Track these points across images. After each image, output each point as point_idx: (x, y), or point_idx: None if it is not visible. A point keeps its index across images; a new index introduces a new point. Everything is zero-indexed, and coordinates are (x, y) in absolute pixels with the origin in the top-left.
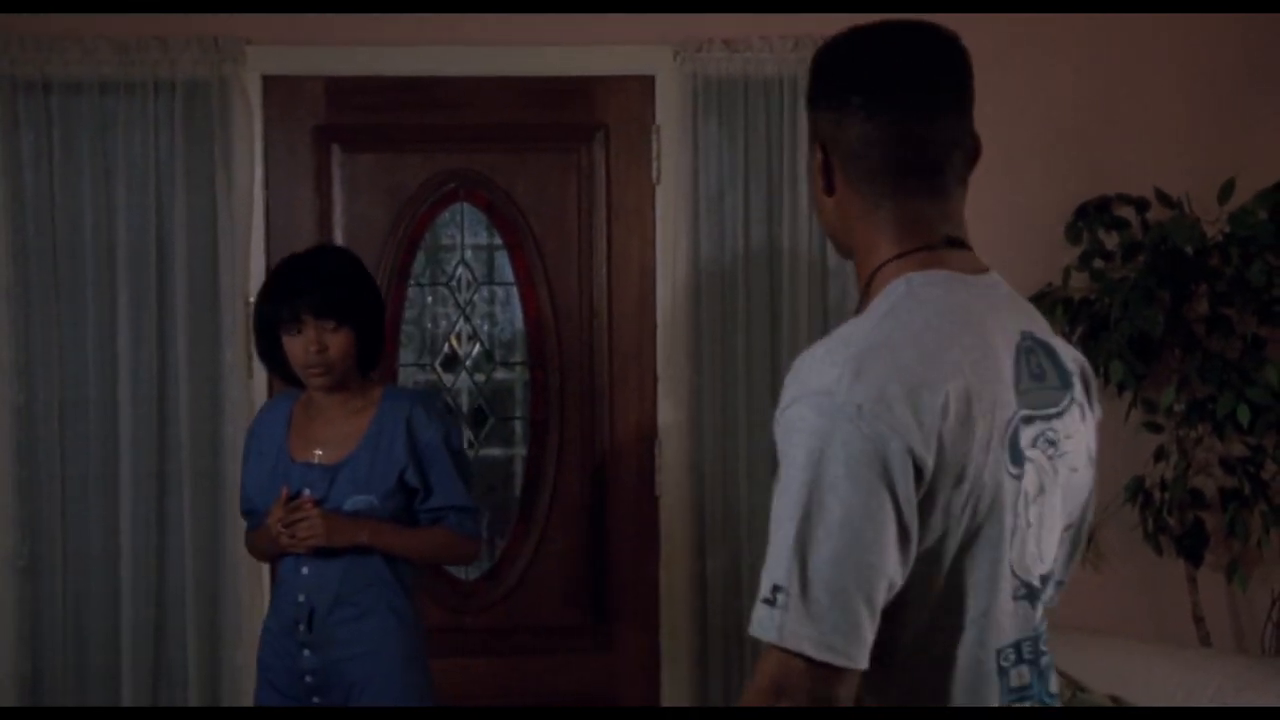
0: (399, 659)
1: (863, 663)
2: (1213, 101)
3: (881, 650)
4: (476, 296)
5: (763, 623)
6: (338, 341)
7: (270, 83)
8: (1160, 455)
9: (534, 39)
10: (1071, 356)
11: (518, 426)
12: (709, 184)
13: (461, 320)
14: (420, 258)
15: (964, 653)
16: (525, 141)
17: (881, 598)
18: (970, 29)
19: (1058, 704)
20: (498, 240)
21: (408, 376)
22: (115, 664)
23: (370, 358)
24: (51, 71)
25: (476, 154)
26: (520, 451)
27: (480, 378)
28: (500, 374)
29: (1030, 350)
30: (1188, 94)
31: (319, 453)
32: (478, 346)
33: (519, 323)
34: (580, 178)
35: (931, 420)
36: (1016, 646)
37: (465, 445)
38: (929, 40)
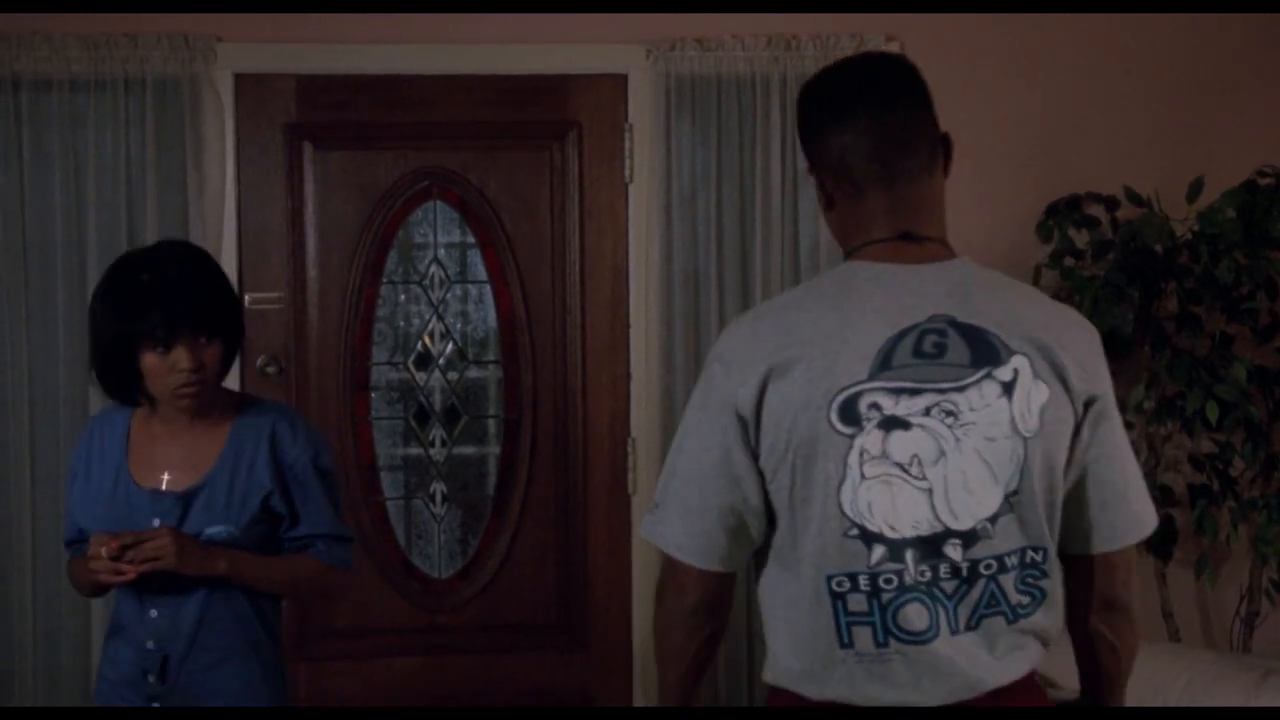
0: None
1: (712, 564)
2: (1182, 101)
3: (761, 559)
4: (449, 294)
5: (644, 526)
6: (211, 356)
7: (242, 80)
8: None
9: (507, 37)
10: (1027, 333)
11: (491, 425)
12: (681, 182)
13: (434, 318)
14: (393, 256)
15: (804, 572)
16: (498, 140)
17: (724, 515)
18: (943, 32)
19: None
20: (470, 238)
21: (380, 375)
22: (86, 664)
23: (228, 369)
24: (20, 69)
25: (449, 152)
26: (493, 450)
27: (453, 376)
28: (473, 372)
29: (929, 331)
30: (1157, 94)
31: (166, 477)
32: (450, 345)
33: (492, 321)
34: (553, 176)
35: (751, 380)
36: (851, 577)
37: (334, 464)
38: (870, 63)
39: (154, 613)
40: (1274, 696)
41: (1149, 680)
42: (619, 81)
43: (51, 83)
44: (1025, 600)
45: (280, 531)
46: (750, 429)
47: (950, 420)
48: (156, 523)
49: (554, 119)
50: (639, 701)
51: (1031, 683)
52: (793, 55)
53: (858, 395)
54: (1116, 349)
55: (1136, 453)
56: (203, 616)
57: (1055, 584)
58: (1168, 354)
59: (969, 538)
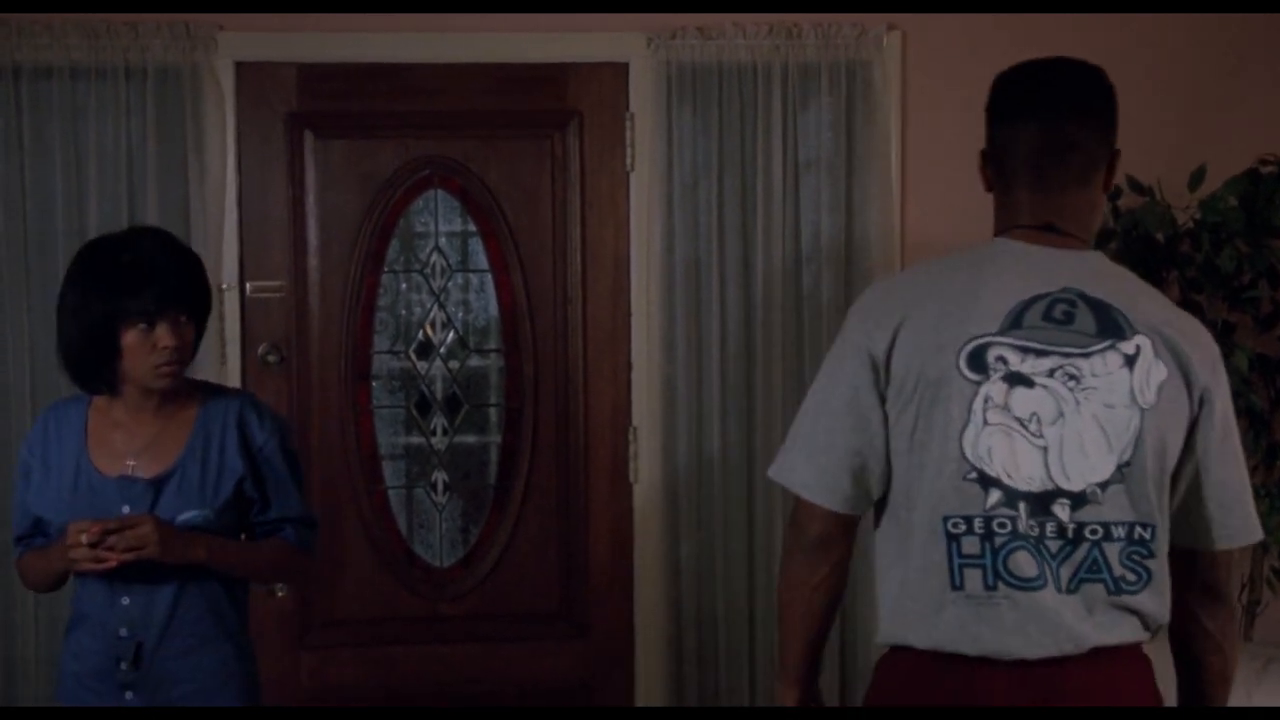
0: (239, 696)
1: (834, 504)
2: (1184, 90)
3: (882, 504)
4: (451, 283)
5: (772, 467)
6: (188, 336)
7: (243, 69)
8: None
9: (508, 26)
10: (1150, 322)
11: (492, 414)
12: (683, 171)
13: (436, 307)
14: (394, 244)
15: (920, 514)
16: (499, 128)
17: (849, 455)
18: (944, 21)
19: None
20: (472, 227)
21: (382, 364)
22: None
23: (196, 352)
24: (21, 57)
25: (450, 141)
26: (495, 439)
27: (454, 365)
28: (474, 361)
29: (1060, 300)
30: (1159, 83)
31: (132, 464)
32: (452, 333)
33: (493, 309)
34: (554, 165)
35: (887, 326)
36: (967, 520)
37: (297, 447)
38: (1061, 70)
39: (125, 600)
40: (1275, 685)
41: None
42: (620, 70)
43: (52, 71)
44: (1130, 576)
45: (250, 516)
46: (881, 371)
47: (1073, 384)
48: (126, 509)
49: (555, 108)
50: (640, 690)
51: (1138, 652)
52: (794, 44)
53: (987, 346)
54: None
55: None
56: (177, 603)
57: (1161, 567)
58: None
59: (1078, 500)
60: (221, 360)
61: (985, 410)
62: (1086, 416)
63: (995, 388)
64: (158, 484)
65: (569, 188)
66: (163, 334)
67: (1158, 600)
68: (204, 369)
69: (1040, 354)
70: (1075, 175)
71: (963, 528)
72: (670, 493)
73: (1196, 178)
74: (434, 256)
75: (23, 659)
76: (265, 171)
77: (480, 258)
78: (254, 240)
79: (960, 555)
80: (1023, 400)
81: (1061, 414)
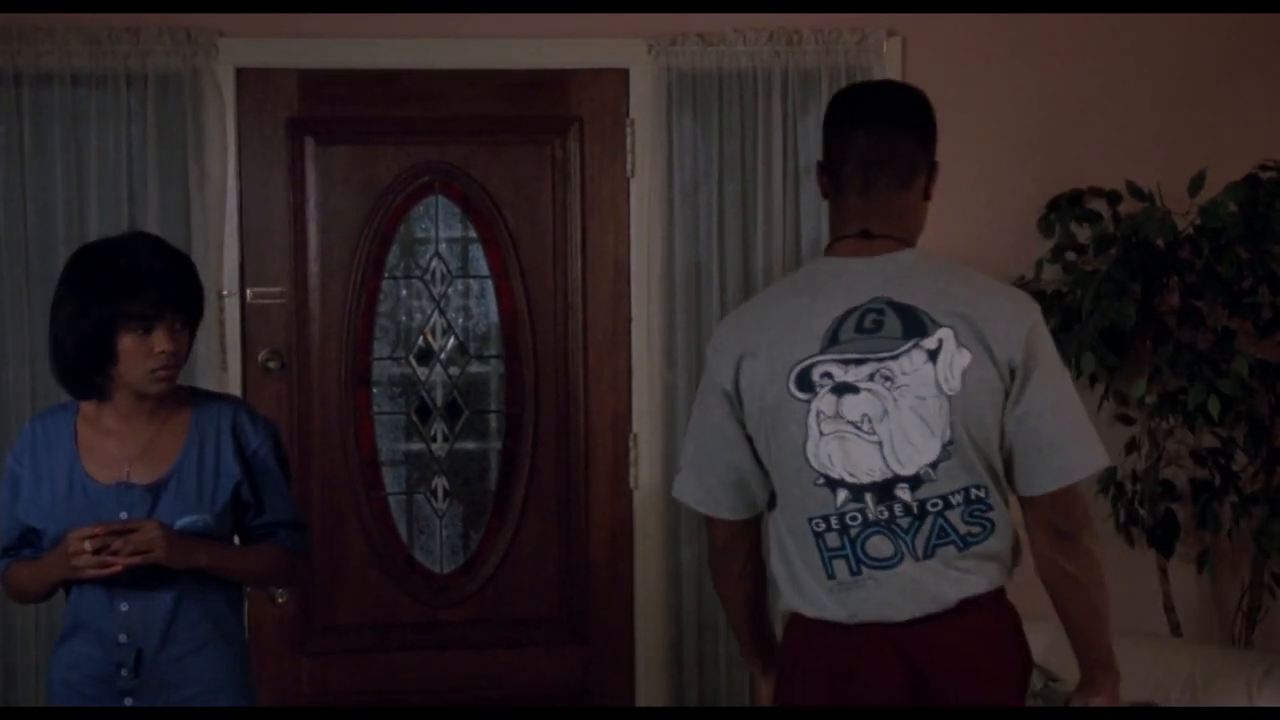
0: (237, 699)
1: (723, 514)
2: (1183, 95)
3: (773, 501)
4: (451, 289)
5: (674, 487)
6: (183, 340)
7: (243, 75)
8: (1132, 447)
9: (508, 32)
10: (955, 310)
11: (492, 420)
12: (683, 177)
13: (436, 313)
14: (395, 250)
15: (792, 515)
16: (500, 134)
17: (726, 473)
18: (944, 26)
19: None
20: (472, 233)
21: (382, 370)
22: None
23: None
24: (22, 63)
25: (451, 147)
26: (495, 445)
27: (455, 371)
28: (475, 367)
29: (869, 311)
30: (1159, 88)
31: (129, 470)
32: (452, 340)
33: (493, 316)
34: (555, 171)
35: (729, 363)
36: (825, 518)
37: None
38: (882, 89)
39: (124, 606)
40: (1276, 692)
41: (1150, 675)
42: (620, 76)
43: (53, 77)
44: (975, 530)
45: (246, 520)
46: (734, 402)
47: (889, 384)
48: (124, 516)
49: (556, 114)
50: (640, 696)
51: (999, 596)
52: (794, 50)
53: (811, 366)
54: (1118, 343)
55: (1138, 448)
56: (176, 608)
57: (1001, 515)
58: (1170, 348)
59: (914, 481)
60: (222, 367)
61: (819, 423)
62: (906, 410)
63: (825, 401)
64: (155, 490)
65: (569, 193)
66: (159, 338)
67: (1002, 540)
68: (205, 375)
69: (859, 363)
70: (899, 180)
71: (823, 526)
72: (671, 499)
73: (1196, 183)
74: (434, 262)
75: (22, 667)
76: (266, 177)
77: (481, 264)
78: (254, 246)
79: (827, 549)
80: (852, 405)
81: (886, 411)
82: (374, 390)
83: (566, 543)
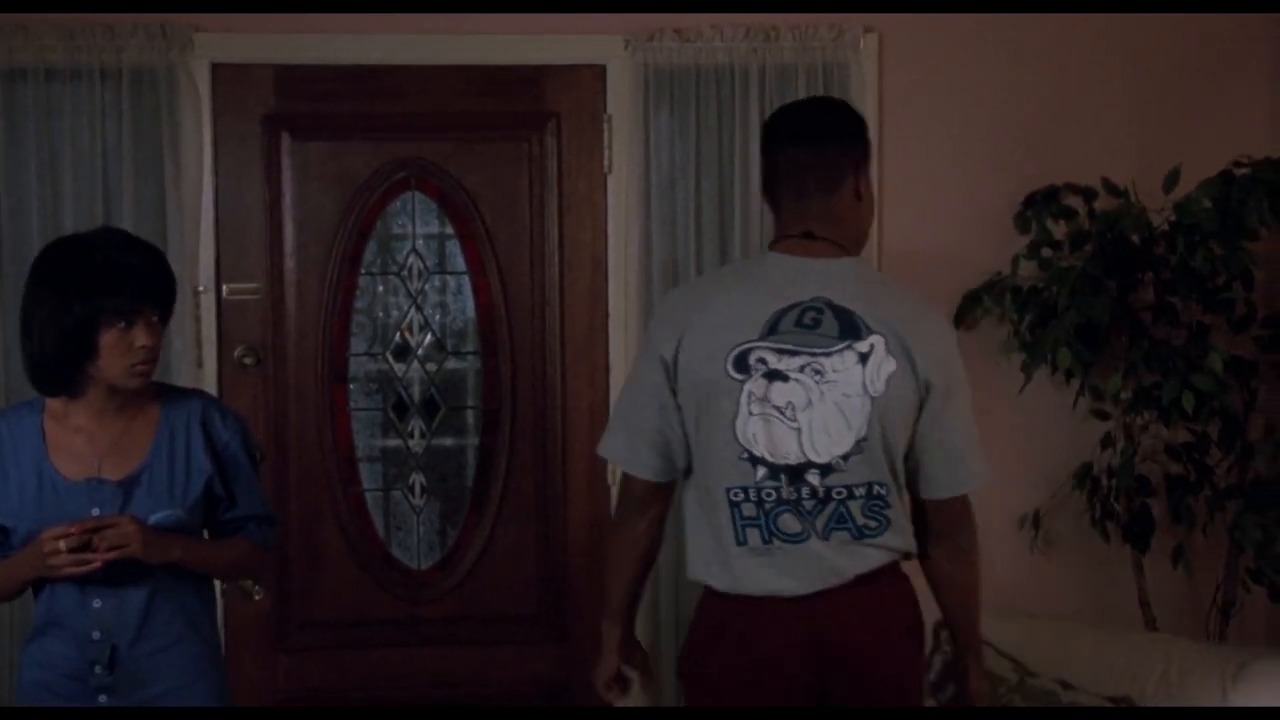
0: (212, 693)
1: (644, 474)
2: (1159, 93)
3: (689, 471)
4: (428, 286)
5: (600, 444)
6: (159, 333)
7: (219, 70)
8: (1107, 442)
9: (486, 27)
10: (888, 321)
11: (470, 416)
12: (660, 173)
13: (413, 309)
14: (371, 246)
15: (712, 484)
16: (476, 130)
17: (653, 435)
18: (921, 23)
19: (827, 540)
20: (449, 229)
21: (359, 366)
22: None
23: None
24: None
25: (428, 142)
26: (472, 441)
27: (432, 367)
28: (452, 363)
29: (810, 309)
30: (1134, 86)
31: (100, 466)
32: (429, 336)
33: (471, 312)
34: (532, 167)
35: (671, 336)
36: (744, 490)
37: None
38: (808, 106)
39: (97, 603)
40: (1250, 686)
41: (1126, 669)
42: (597, 72)
43: (27, 72)
44: (872, 523)
45: (216, 514)
46: (670, 371)
47: (818, 378)
48: (96, 512)
49: (533, 110)
50: None
51: (894, 569)
52: (771, 46)
53: (749, 350)
54: (1094, 339)
55: (1113, 443)
56: (150, 604)
57: (898, 515)
58: (1145, 344)
59: (825, 469)
60: (198, 363)
61: (749, 403)
62: (829, 404)
63: (757, 384)
64: (127, 485)
65: (546, 190)
66: (140, 333)
67: (899, 538)
68: (181, 372)
69: (793, 354)
70: (831, 187)
71: (741, 496)
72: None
73: (1171, 180)
74: (411, 259)
75: None
76: (242, 173)
77: (458, 260)
78: (230, 242)
79: (742, 518)
80: (780, 392)
81: (810, 402)
82: (351, 386)
83: (544, 539)
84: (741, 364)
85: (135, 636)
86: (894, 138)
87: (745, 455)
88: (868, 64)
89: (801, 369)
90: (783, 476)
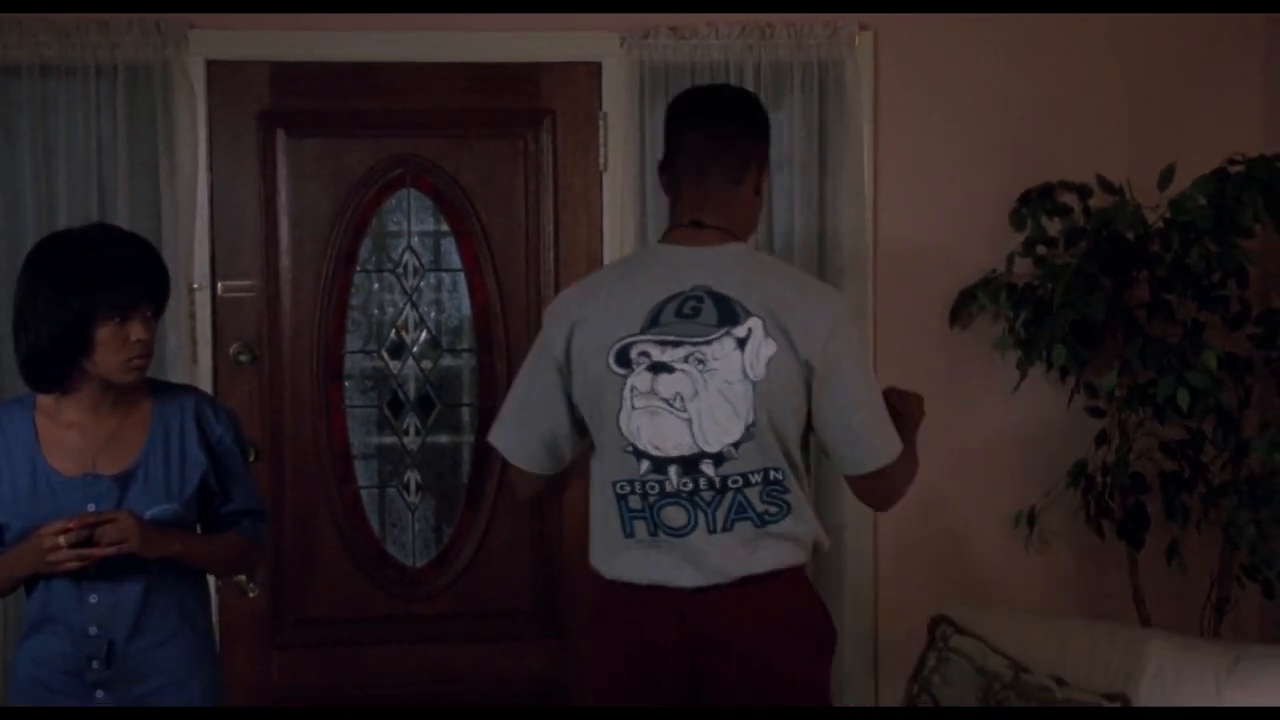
0: (207, 685)
1: (531, 468)
2: (1153, 89)
3: (587, 463)
4: (423, 283)
5: (490, 434)
6: (154, 328)
7: (214, 67)
8: (1102, 439)
9: (481, 25)
10: (767, 305)
11: (465, 413)
12: (656, 170)
13: (408, 307)
14: (366, 244)
15: (602, 476)
16: (472, 127)
17: (541, 433)
18: (916, 21)
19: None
20: (445, 226)
21: (354, 364)
22: None
23: None
24: None
25: (423, 140)
26: (467, 438)
27: (427, 364)
28: (447, 361)
29: (690, 298)
30: (1129, 82)
31: (95, 462)
32: (425, 333)
33: (466, 309)
34: (527, 164)
35: (561, 332)
36: (630, 482)
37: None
38: (722, 92)
39: (94, 598)
40: (1243, 682)
41: (1120, 666)
42: (593, 69)
43: (21, 68)
44: (772, 509)
45: (211, 509)
46: (563, 369)
47: (701, 367)
48: (91, 507)
49: (528, 107)
50: None
51: (787, 577)
52: (766, 43)
53: (630, 345)
54: (1089, 336)
55: (1108, 440)
56: (146, 598)
57: (798, 499)
58: (1139, 341)
59: (718, 459)
60: (193, 360)
61: (632, 397)
62: (714, 392)
63: (640, 378)
64: (122, 480)
65: (542, 187)
66: (135, 328)
67: (803, 525)
68: (176, 369)
69: (675, 345)
70: (730, 175)
71: (627, 489)
72: None
73: (1166, 177)
74: (406, 256)
75: None
76: (237, 170)
77: (453, 257)
78: (225, 239)
79: (629, 510)
80: (667, 384)
81: (697, 392)
82: (346, 384)
83: (539, 536)
84: (623, 358)
85: (131, 631)
86: (889, 136)
87: (629, 449)
88: (863, 62)
89: (685, 359)
90: (671, 469)
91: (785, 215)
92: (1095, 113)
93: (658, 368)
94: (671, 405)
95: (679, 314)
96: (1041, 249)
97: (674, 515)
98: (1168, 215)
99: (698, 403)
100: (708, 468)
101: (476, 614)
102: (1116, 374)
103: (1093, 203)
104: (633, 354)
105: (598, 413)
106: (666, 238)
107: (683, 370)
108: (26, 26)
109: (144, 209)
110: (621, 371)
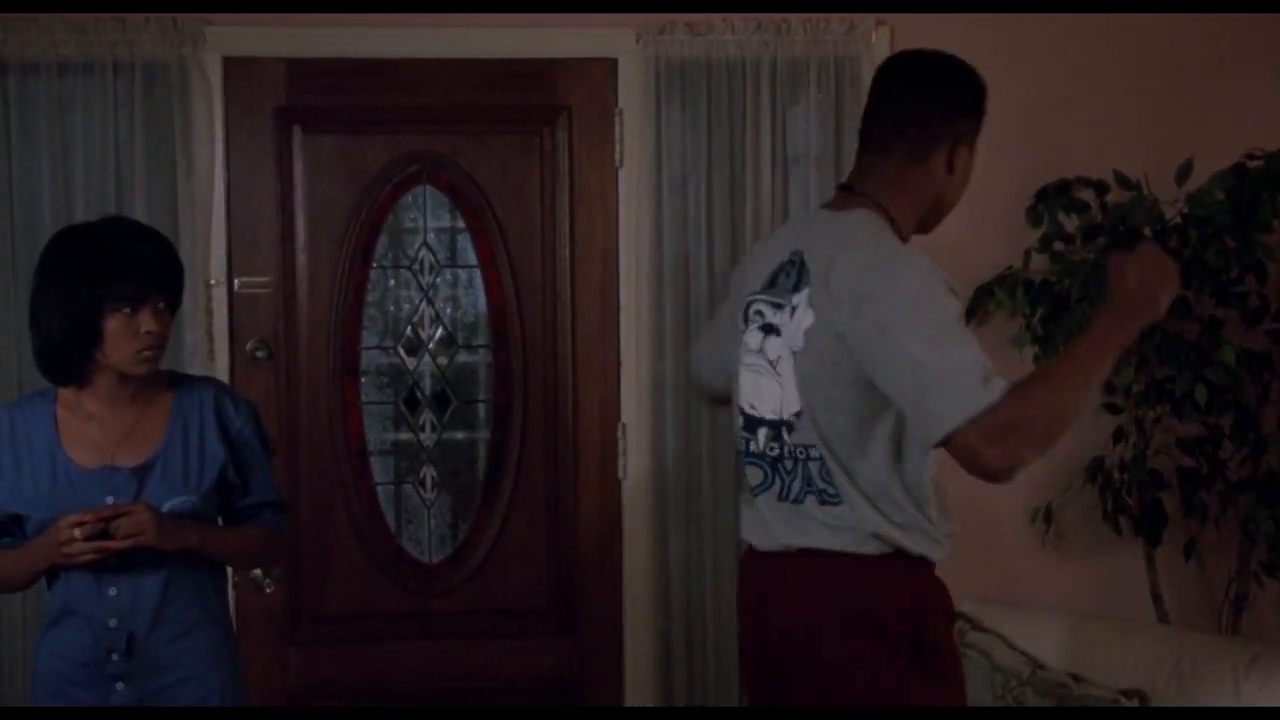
0: (227, 678)
1: (700, 369)
2: (1170, 84)
3: None
4: (439, 279)
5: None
6: (168, 322)
7: (231, 64)
8: (1119, 436)
9: (497, 21)
10: (824, 273)
11: (481, 410)
12: (672, 167)
13: (424, 303)
14: (383, 240)
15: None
16: (488, 124)
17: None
18: (935, 20)
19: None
20: (460, 223)
21: (370, 360)
22: None
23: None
24: (8, 52)
25: (439, 136)
26: (483, 435)
27: (443, 361)
28: (463, 357)
29: (791, 263)
30: (1145, 78)
31: (115, 454)
32: (440, 329)
33: (482, 306)
34: (543, 160)
35: (732, 282)
36: (740, 437)
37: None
38: (897, 63)
39: (113, 591)
40: (1262, 679)
41: (1139, 662)
42: (609, 66)
43: (39, 66)
44: (830, 490)
45: (231, 501)
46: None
47: (784, 330)
48: (110, 500)
49: (544, 103)
50: (629, 686)
51: (843, 563)
52: (783, 39)
53: (751, 302)
54: None
55: (1125, 437)
56: (166, 591)
57: (847, 488)
58: (1157, 337)
59: (789, 427)
60: (210, 356)
61: (744, 354)
62: (792, 357)
63: (753, 336)
64: (141, 472)
65: (558, 184)
66: (145, 319)
67: (860, 516)
68: (193, 365)
69: (779, 308)
70: (893, 145)
71: (741, 444)
72: (659, 489)
73: (1183, 172)
74: (422, 252)
75: (9, 658)
76: (253, 167)
77: (469, 253)
78: (242, 236)
79: (743, 460)
80: (773, 346)
81: (780, 357)
82: (362, 380)
83: (555, 533)
84: (746, 315)
85: (151, 624)
86: None
87: (740, 405)
88: (879, 58)
89: (786, 322)
90: (761, 431)
91: (801, 210)
92: (1112, 108)
93: (767, 329)
94: (775, 367)
95: (785, 275)
96: (1059, 245)
97: (751, 475)
98: (1185, 211)
99: (781, 367)
100: (787, 434)
101: (492, 611)
102: (1134, 370)
103: (1110, 198)
104: (751, 311)
105: (732, 364)
106: (827, 202)
107: (782, 334)
108: (44, 25)
109: (161, 206)
110: (742, 328)
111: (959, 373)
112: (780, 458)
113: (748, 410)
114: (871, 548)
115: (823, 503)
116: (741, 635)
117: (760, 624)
